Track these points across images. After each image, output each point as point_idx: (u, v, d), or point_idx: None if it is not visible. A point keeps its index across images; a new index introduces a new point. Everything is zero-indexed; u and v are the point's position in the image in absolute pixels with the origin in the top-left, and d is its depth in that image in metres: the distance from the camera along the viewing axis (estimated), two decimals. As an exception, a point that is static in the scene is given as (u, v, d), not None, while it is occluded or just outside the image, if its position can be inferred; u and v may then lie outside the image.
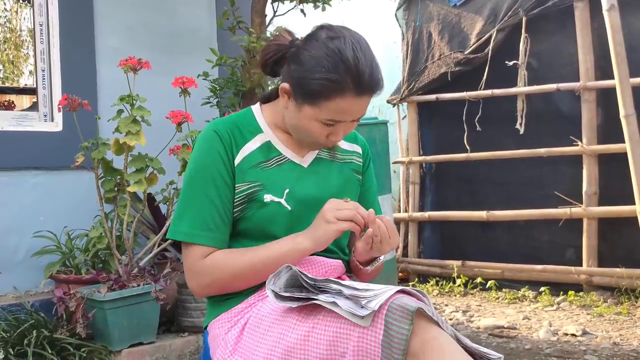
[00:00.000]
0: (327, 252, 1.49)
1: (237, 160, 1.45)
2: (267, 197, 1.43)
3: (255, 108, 1.55)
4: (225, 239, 1.45)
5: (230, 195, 1.44)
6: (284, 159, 1.49)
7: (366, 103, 1.40)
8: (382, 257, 1.51)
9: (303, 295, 1.25)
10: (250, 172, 1.44)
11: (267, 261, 1.38)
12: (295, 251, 1.39)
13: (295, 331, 1.24)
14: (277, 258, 1.38)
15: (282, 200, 1.43)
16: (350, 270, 1.58)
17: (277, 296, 1.27)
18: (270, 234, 1.44)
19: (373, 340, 1.14)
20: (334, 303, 1.19)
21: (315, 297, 1.22)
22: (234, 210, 1.44)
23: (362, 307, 1.15)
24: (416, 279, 4.89)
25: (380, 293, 1.17)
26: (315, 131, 1.42)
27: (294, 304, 1.25)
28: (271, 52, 1.48)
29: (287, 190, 1.44)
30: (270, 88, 3.10)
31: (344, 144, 1.61)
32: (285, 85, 1.43)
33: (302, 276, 1.27)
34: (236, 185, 1.44)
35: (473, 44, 4.64)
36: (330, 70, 1.34)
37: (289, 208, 1.44)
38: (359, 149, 1.64)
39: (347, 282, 1.27)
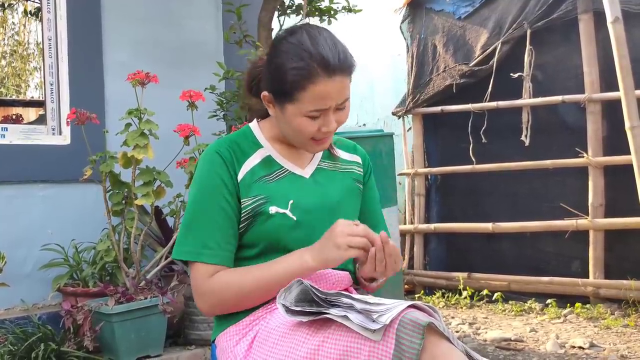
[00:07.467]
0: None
1: (240, 176, 1.46)
2: (272, 209, 1.44)
3: (253, 125, 1.58)
4: (230, 257, 1.45)
5: (233, 214, 1.44)
6: (285, 171, 1.51)
7: (342, 84, 1.40)
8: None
9: (314, 309, 1.25)
10: (254, 187, 1.46)
11: (274, 279, 1.38)
12: (303, 269, 1.38)
13: (306, 345, 1.24)
14: (283, 276, 1.37)
15: (287, 211, 1.44)
16: (357, 282, 1.59)
17: (288, 310, 1.27)
18: (277, 245, 1.45)
19: (384, 354, 1.14)
20: (345, 317, 1.19)
21: (327, 311, 1.23)
22: (241, 225, 1.45)
23: (374, 321, 1.15)
24: (422, 291, 4.88)
25: (391, 307, 1.17)
26: (306, 128, 1.42)
27: (305, 319, 1.25)
28: (251, 76, 1.55)
29: (291, 201, 1.45)
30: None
31: (344, 154, 1.63)
32: (265, 93, 1.47)
33: (314, 290, 1.27)
34: (242, 201, 1.45)
35: (478, 56, 4.66)
36: (295, 61, 1.38)
37: (295, 218, 1.45)
38: (358, 159, 1.65)
39: (358, 296, 1.27)
